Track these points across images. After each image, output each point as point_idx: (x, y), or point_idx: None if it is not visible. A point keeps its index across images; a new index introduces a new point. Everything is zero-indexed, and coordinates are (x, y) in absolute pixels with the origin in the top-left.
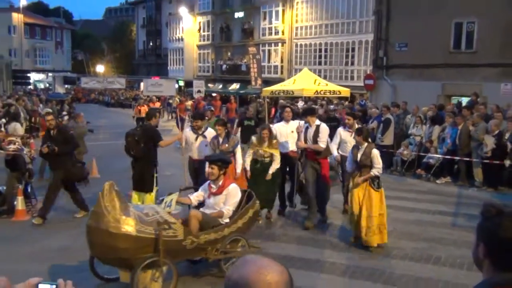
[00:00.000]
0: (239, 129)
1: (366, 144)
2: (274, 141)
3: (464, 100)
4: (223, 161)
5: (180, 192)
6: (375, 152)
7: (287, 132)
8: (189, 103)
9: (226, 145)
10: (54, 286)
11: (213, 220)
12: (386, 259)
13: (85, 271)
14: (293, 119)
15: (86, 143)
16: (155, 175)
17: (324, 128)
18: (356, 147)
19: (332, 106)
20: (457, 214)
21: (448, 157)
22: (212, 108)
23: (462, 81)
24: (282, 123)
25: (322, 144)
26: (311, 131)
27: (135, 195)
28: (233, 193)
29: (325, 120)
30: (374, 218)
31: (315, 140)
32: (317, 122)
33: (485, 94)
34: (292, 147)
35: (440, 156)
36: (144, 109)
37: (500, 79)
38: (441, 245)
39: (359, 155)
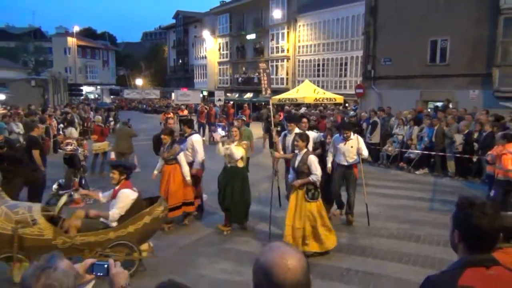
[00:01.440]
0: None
1: (305, 150)
2: (244, 143)
3: (439, 105)
4: (124, 166)
5: (75, 192)
6: (312, 159)
7: (340, 145)
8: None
9: (167, 153)
10: (106, 265)
11: (99, 222)
12: (375, 238)
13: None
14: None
15: (132, 143)
16: None
17: None
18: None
19: (352, 113)
20: (433, 200)
21: (426, 152)
22: (244, 117)
23: (437, 89)
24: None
25: None
26: (289, 139)
27: None
28: (121, 198)
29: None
30: (298, 230)
31: (293, 148)
32: (296, 130)
33: (457, 99)
34: (348, 161)
35: (419, 151)
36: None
37: (469, 87)
38: (421, 226)
39: (296, 162)
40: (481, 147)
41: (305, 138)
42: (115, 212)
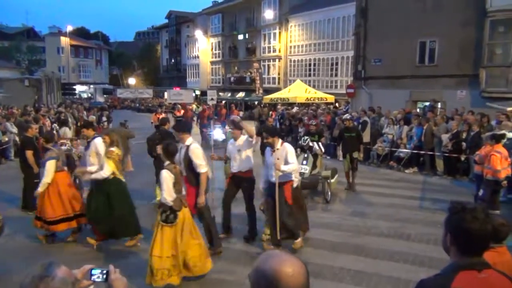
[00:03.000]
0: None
1: (166, 163)
2: (114, 150)
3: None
4: None
5: None
6: (164, 175)
7: (234, 151)
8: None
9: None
10: (105, 271)
11: None
12: (367, 236)
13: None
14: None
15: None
16: None
17: (193, 149)
18: None
19: (347, 116)
20: (423, 198)
21: (415, 151)
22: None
23: (426, 89)
24: (231, 141)
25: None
26: (182, 152)
27: (157, 187)
28: None
29: (344, 130)
30: (164, 259)
31: (185, 163)
32: (188, 141)
33: (445, 99)
34: (239, 167)
35: (408, 150)
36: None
37: (457, 87)
38: (411, 224)
39: None
40: (469, 147)
41: (166, 150)
42: None
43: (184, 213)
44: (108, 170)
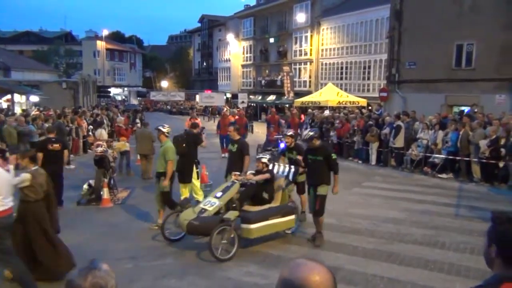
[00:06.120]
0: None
1: None
2: None
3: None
4: None
5: None
6: None
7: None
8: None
9: None
10: None
11: None
12: (400, 244)
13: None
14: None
15: (154, 144)
16: (194, 170)
17: None
18: None
19: (308, 130)
20: (458, 206)
21: (451, 157)
22: (164, 128)
23: (462, 93)
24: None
25: None
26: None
27: (181, 186)
28: None
29: (306, 151)
30: None
31: None
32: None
33: (482, 104)
34: None
35: (443, 156)
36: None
37: (495, 91)
38: (446, 232)
39: None
40: (508, 153)
41: None
42: None
43: None
44: None
